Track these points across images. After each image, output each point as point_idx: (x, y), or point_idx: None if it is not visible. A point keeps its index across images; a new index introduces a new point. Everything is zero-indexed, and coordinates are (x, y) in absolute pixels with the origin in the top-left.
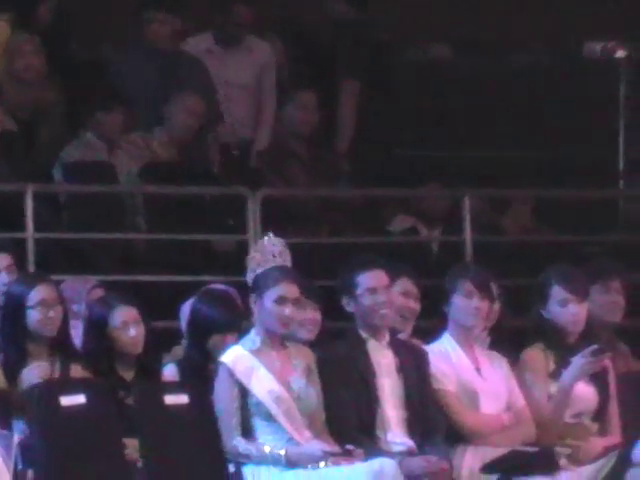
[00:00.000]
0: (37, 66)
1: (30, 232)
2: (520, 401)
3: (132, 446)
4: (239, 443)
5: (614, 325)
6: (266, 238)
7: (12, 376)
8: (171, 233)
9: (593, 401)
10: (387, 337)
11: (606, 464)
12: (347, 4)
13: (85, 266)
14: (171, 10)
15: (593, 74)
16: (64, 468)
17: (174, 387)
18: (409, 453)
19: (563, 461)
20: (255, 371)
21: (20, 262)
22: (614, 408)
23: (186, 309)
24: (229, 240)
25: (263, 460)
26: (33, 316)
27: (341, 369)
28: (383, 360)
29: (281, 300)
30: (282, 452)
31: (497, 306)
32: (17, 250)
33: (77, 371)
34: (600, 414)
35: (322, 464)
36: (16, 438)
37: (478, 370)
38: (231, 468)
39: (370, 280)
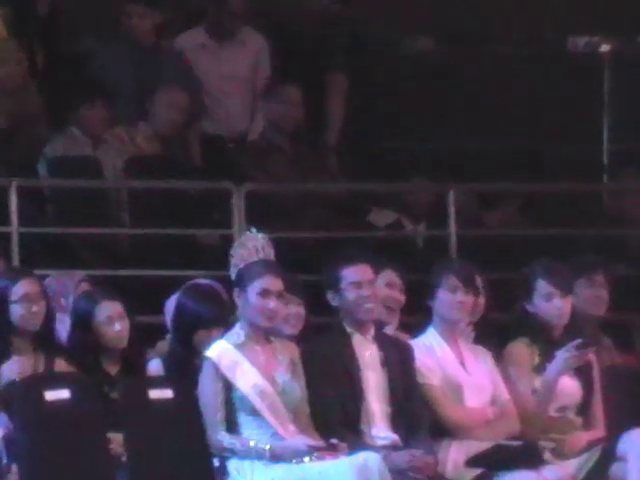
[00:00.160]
0: (18, 75)
1: (14, 227)
2: (504, 395)
3: (117, 441)
4: (224, 438)
5: (598, 319)
6: (248, 233)
7: None
8: (156, 228)
9: (577, 395)
10: (372, 331)
11: (590, 458)
12: None
13: (70, 261)
14: (151, 3)
15: (577, 68)
16: (48, 462)
17: (159, 382)
18: (394, 447)
19: (547, 455)
20: (239, 365)
21: (5, 257)
22: (598, 402)
23: (171, 304)
24: (214, 235)
25: (247, 454)
26: (16, 311)
27: (326, 363)
28: (368, 354)
29: (265, 293)
30: (266, 447)
31: (482, 300)
32: (1, 245)
33: (61, 366)
34: (584, 408)
35: (306, 459)
36: (0, 432)
37: (463, 364)
38: (216, 462)
39: (355, 274)
